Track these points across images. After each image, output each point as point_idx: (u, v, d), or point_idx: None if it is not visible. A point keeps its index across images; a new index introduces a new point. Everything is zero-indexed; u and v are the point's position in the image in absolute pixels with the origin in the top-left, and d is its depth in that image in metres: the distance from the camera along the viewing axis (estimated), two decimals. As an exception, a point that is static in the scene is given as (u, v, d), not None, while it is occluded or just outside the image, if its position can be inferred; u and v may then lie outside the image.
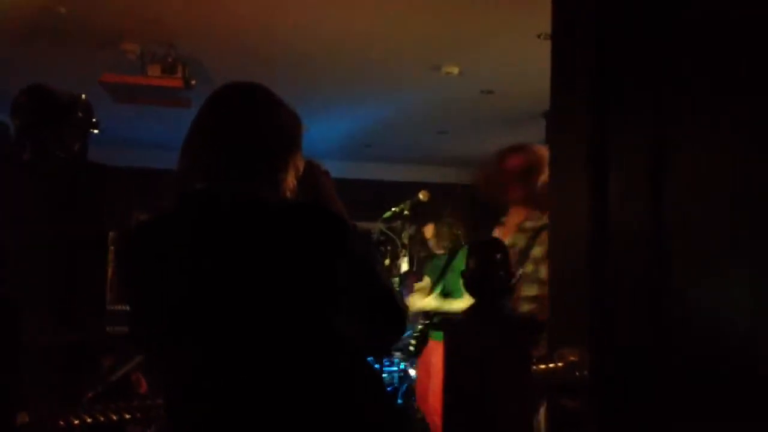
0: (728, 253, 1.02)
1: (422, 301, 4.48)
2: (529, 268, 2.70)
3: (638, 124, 1.11)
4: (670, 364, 1.07)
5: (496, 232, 3.08)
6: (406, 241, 5.00)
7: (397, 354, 5.16)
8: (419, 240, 5.13)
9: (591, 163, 1.13)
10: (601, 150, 1.13)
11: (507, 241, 2.92)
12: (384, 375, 5.52)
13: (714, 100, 1.02)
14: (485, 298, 0.94)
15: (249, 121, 1.55)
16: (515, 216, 3.02)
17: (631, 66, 1.13)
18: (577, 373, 1.11)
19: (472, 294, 0.97)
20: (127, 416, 1.90)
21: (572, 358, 1.12)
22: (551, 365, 1.11)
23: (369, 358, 1.70)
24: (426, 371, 4.54)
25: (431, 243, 4.80)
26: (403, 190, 4.95)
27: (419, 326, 4.43)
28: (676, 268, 1.06)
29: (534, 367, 1.10)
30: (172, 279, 1.48)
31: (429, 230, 4.82)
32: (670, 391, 1.06)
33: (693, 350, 1.04)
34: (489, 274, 0.96)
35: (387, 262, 4.96)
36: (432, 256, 4.84)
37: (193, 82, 4.87)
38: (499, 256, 0.95)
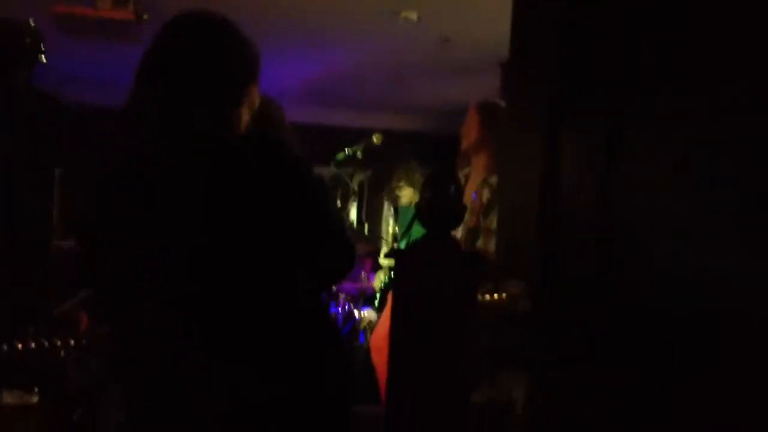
0: (668, 197, 1.06)
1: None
2: (493, 224, 2.79)
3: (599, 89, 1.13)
4: (611, 297, 1.12)
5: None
6: (356, 186, 4.99)
7: (343, 295, 5.22)
8: (388, 191, 5.17)
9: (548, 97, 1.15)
10: (558, 106, 1.16)
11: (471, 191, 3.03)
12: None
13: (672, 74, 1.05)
14: (436, 228, 0.97)
15: (208, 51, 1.52)
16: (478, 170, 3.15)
17: (597, 30, 1.14)
18: (520, 305, 1.16)
19: (423, 224, 1.00)
20: (72, 342, 1.92)
21: (516, 291, 1.17)
22: (496, 296, 1.15)
23: (320, 295, 1.72)
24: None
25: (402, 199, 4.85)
26: (357, 136, 4.93)
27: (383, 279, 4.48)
28: (621, 208, 1.11)
29: (479, 298, 1.14)
30: (133, 217, 1.47)
31: (407, 194, 4.87)
32: (609, 323, 1.11)
33: (632, 287, 1.09)
34: (441, 205, 0.98)
35: (338, 205, 4.97)
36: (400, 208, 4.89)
37: (145, 16, 4.73)
38: (452, 188, 0.97)
